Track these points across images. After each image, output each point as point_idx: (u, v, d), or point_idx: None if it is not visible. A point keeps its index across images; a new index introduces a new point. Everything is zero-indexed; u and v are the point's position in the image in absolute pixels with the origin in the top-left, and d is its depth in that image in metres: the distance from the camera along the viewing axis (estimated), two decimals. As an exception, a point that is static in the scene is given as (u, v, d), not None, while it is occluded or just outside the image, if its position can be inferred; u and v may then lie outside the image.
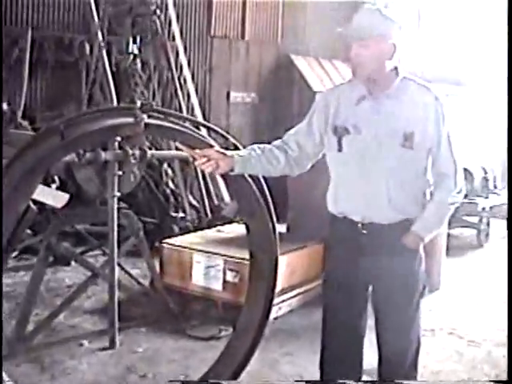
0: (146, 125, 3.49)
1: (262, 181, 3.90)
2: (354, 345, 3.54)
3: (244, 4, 10.42)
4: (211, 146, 3.50)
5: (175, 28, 9.01)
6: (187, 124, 3.79)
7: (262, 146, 3.38)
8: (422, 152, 3.26)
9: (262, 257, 4.06)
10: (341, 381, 3.47)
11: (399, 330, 3.42)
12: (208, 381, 4.11)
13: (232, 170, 3.28)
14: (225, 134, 3.85)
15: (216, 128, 3.97)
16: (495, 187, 10.01)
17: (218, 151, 3.27)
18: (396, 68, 3.27)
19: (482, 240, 9.30)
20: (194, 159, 3.25)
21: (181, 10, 9.42)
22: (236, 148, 3.74)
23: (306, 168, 3.51)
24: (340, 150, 3.30)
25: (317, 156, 3.47)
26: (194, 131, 3.77)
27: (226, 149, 3.42)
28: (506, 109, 10.13)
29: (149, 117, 3.52)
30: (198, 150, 3.27)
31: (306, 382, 4.18)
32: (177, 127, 3.69)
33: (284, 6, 10.99)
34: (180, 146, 3.48)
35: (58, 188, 5.37)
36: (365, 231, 3.30)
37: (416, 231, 3.31)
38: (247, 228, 4.06)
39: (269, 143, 3.42)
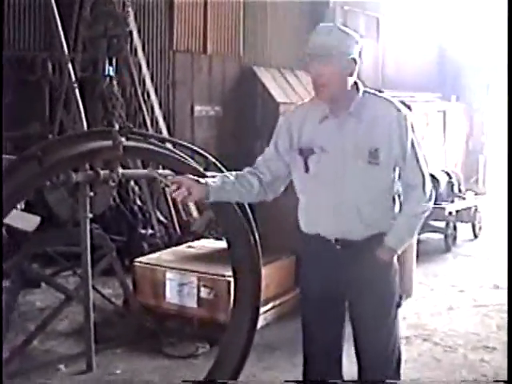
0: (125, 148, 3.45)
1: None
2: (334, 360, 3.56)
3: (205, 18, 10.41)
4: (191, 167, 3.47)
5: (137, 43, 8.97)
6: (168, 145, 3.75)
7: (234, 172, 3.36)
8: (388, 167, 3.27)
9: (246, 273, 4.05)
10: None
11: (379, 342, 3.44)
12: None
13: (207, 198, 3.23)
14: (205, 154, 3.82)
15: (197, 149, 3.93)
16: (460, 191, 10.10)
17: (190, 178, 3.20)
18: (356, 83, 3.29)
19: (450, 244, 9.40)
20: (167, 186, 3.17)
21: (142, 24, 9.36)
22: (216, 167, 3.71)
23: (279, 192, 3.48)
24: (307, 170, 3.31)
25: (289, 178, 3.46)
26: (173, 152, 3.74)
27: (206, 170, 3.39)
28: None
29: (127, 139, 3.48)
30: (170, 177, 3.22)
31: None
32: (156, 149, 3.65)
33: (245, 19, 11.01)
34: (153, 174, 3.40)
35: (23, 210, 5.27)
36: (339, 246, 3.32)
37: (389, 244, 3.33)
38: (229, 245, 4.04)
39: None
